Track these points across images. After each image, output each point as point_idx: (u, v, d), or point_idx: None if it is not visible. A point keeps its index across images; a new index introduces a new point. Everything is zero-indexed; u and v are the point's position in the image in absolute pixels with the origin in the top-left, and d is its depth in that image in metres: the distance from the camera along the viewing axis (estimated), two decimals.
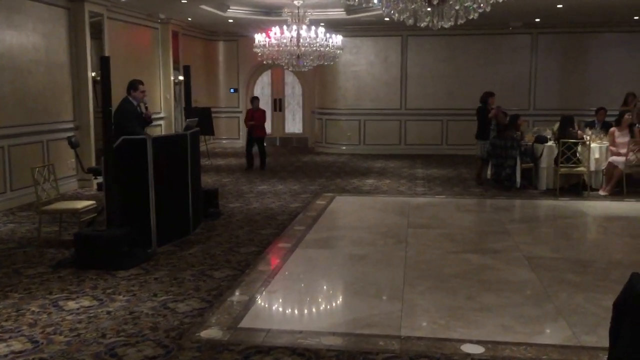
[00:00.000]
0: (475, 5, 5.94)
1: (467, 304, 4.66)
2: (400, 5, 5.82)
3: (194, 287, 5.05)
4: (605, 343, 3.91)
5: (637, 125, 9.66)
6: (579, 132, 9.64)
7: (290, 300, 4.98)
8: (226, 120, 17.16)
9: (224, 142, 17.22)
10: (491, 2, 5.93)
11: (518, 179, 9.59)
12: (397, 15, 5.90)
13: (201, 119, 9.12)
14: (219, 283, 5.17)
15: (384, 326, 4.24)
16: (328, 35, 11.61)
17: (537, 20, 13.48)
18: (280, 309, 4.82)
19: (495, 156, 9.86)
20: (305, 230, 7.13)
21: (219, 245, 6.45)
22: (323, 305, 4.92)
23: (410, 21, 5.84)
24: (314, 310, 4.79)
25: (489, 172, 10.15)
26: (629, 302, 2.68)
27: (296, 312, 4.76)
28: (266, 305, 4.81)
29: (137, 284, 5.13)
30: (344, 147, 15.52)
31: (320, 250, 6.45)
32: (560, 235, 7.20)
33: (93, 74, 10.17)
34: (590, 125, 10.56)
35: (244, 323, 4.28)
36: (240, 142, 17.34)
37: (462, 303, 4.69)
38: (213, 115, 14.89)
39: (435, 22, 5.82)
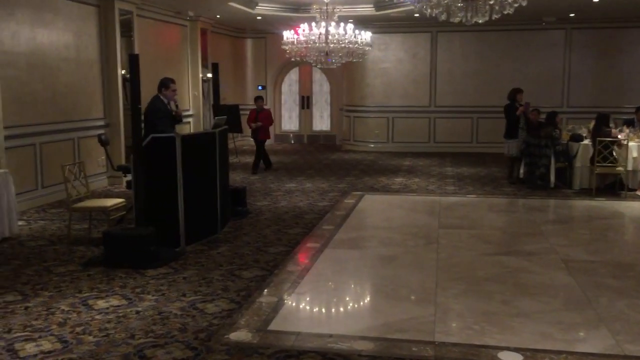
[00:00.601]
0: (510, 0, 5.77)
1: (502, 309, 4.51)
2: (434, 0, 5.67)
3: (222, 288, 4.99)
4: None
5: None
6: (614, 130, 9.35)
7: (320, 302, 4.89)
8: None
9: (251, 139, 17.18)
10: None
11: (552, 179, 9.35)
12: (429, 10, 5.75)
13: (229, 117, 9.09)
14: (248, 283, 5.10)
15: (416, 331, 4.11)
16: (357, 31, 11.48)
17: (572, 15, 13.14)
18: (310, 312, 4.72)
19: (529, 155, 9.63)
20: (334, 229, 7.03)
21: (247, 244, 6.39)
22: (353, 308, 4.82)
23: (443, 16, 5.68)
24: (344, 313, 4.69)
25: (521, 170, 9.92)
26: None
27: (326, 314, 4.66)
28: (295, 307, 4.72)
29: (165, 284, 5.09)
30: (372, 145, 15.37)
31: (349, 250, 6.35)
32: (597, 237, 6.97)
33: (123, 71, 10.21)
34: (629, 123, 10.22)
35: (273, 325, 4.20)
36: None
37: (497, 308, 4.54)
38: (241, 112, 14.87)
39: (469, 17, 5.66)
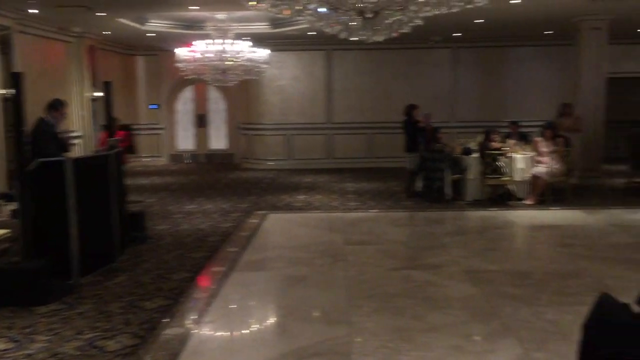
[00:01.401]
0: (406, 19, 5.91)
1: (415, 325, 4.53)
2: (333, 18, 5.70)
3: (123, 321, 4.65)
4: (557, 358, 3.89)
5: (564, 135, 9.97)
6: (494, 143, 9.80)
7: (230, 329, 4.68)
8: (147, 138, 16.49)
9: (145, 160, 16.53)
10: (422, 15, 5.92)
11: (448, 191, 9.70)
12: (329, 28, 5.77)
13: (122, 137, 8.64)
14: (151, 315, 4.79)
15: (333, 353, 4.03)
16: (253, 49, 11.40)
17: (457, 34, 13.82)
18: (220, 341, 4.50)
19: (426, 169, 9.94)
20: (239, 251, 6.83)
21: (148, 272, 6.04)
22: (266, 334, 4.65)
23: (344, 34, 5.72)
24: (256, 339, 4.51)
25: (418, 184, 10.21)
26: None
27: (238, 343, 4.46)
28: (205, 338, 4.48)
29: (58, 321, 4.67)
30: (272, 163, 15.28)
31: (256, 272, 6.18)
32: (494, 247, 7.26)
33: (2, 91, 9.44)
34: (509, 137, 10.81)
35: (183, 359, 3.95)
36: (163, 160, 16.76)
37: (409, 324, 4.55)
38: (133, 132, 14.25)
39: (368, 35, 5.73)
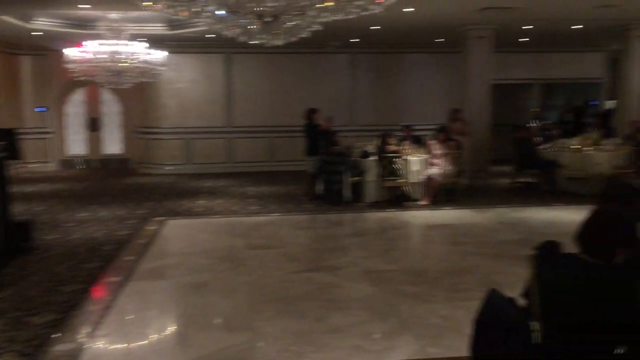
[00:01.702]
0: (305, 24, 5.98)
1: (317, 327, 4.57)
2: (232, 21, 5.65)
3: (8, 339, 4.35)
4: (451, 352, 4.07)
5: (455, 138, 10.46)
6: (390, 146, 10.12)
7: (127, 342, 4.50)
8: (34, 142, 15.52)
9: (32, 166, 15.56)
10: (320, 20, 6.01)
11: (347, 194, 9.89)
12: (228, 31, 5.72)
13: (5, 142, 8.07)
14: (39, 331, 4.51)
15: None
16: (150, 50, 11.07)
17: (355, 40, 14.15)
18: (116, 355, 4.32)
19: (326, 172, 10.08)
20: (136, 260, 6.59)
21: (35, 285, 5.68)
22: (165, 345, 4.51)
23: (243, 38, 5.68)
24: (155, 351, 4.37)
25: (319, 187, 10.34)
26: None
27: (135, 356, 4.30)
28: (99, 353, 4.28)
29: None
30: (170, 167, 14.89)
31: (155, 281, 5.99)
32: (392, 247, 7.48)
33: None
34: (404, 140, 11.19)
35: None
36: (52, 166, 15.86)
37: (312, 326, 4.59)
38: (19, 137, 13.35)
39: (268, 39, 5.73)
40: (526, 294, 3.42)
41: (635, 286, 2.79)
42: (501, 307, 2.87)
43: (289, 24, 5.56)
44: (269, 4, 5.52)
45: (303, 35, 5.92)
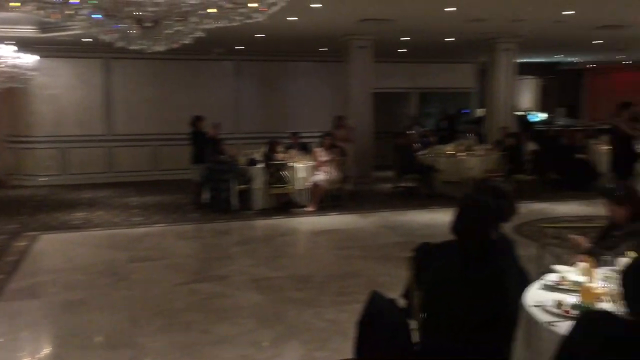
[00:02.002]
0: (187, 30, 5.87)
1: (203, 338, 4.50)
2: (109, 25, 5.43)
3: None
4: (336, 355, 4.16)
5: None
6: (277, 154, 10.21)
7: None
8: None
9: None
10: (203, 27, 5.93)
11: (234, 202, 9.81)
12: (106, 36, 5.49)
13: None
14: None
15: None
16: (19, 54, 10.38)
17: (240, 47, 14.10)
18: None
19: (212, 180, 9.94)
20: (4, 278, 6.13)
21: None
22: None
23: (122, 43, 5.48)
24: None
25: (205, 196, 10.18)
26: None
27: None
28: None
29: None
30: (44, 179, 13.97)
31: (27, 301, 5.59)
32: (279, 254, 7.52)
33: None
34: (291, 147, 11.32)
35: None
36: None
37: (198, 338, 4.51)
38: None
39: (148, 45, 5.56)
40: (406, 295, 3.58)
41: (504, 280, 3.00)
42: (382, 308, 2.98)
43: (170, 30, 5.44)
44: (149, 9, 5.37)
45: (185, 42, 5.81)
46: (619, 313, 2.23)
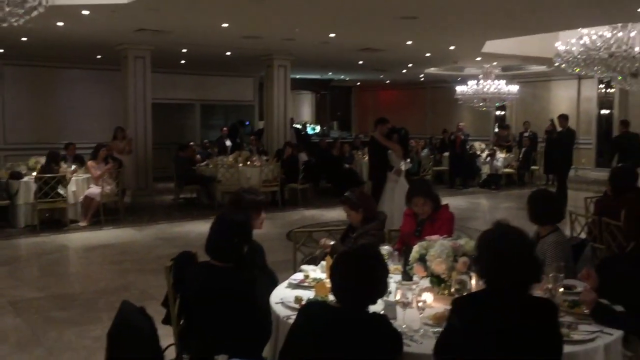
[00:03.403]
0: None
1: None
2: None
3: None
4: None
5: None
6: (51, 166, 9.58)
7: None
8: None
9: None
10: None
11: None
12: None
13: None
14: None
15: None
16: None
17: (1, 51, 12.90)
18: None
19: None
20: None
21: None
22: None
23: None
24: None
25: None
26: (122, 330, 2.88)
27: None
28: None
29: None
30: None
31: None
32: (46, 273, 7.07)
33: None
34: (65, 160, 10.66)
35: None
36: None
37: None
38: None
39: None
40: (164, 302, 3.69)
41: (254, 289, 3.25)
42: (130, 317, 3.05)
43: None
44: None
45: None
46: (331, 302, 2.65)
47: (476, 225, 9.87)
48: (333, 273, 2.54)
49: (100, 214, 9.61)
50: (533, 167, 15.43)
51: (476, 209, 12.23)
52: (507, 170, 14.96)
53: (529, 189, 14.44)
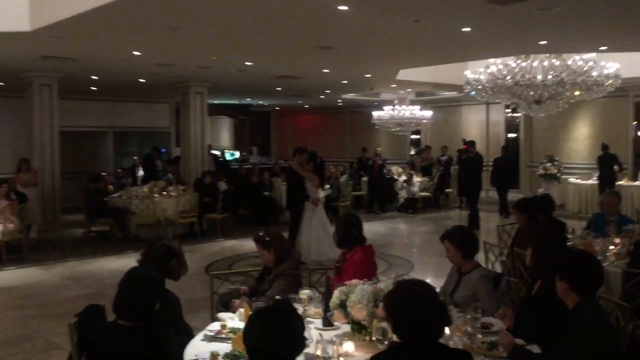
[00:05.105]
0: None
1: None
2: None
3: None
4: None
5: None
6: None
7: None
8: None
9: None
10: None
11: None
12: None
13: None
14: None
15: None
16: None
17: None
18: None
19: None
20: None
21: None
22: None
23: None
24: None
25: None
26: None
27: None
28: None
29: None
30: None
31: None
32: None
33: None
34: None
35: None
36: None
37: None
38: None
39: None
40: None
41: (158, 349, 3.02)
42: None
43: None
44: None
45: None
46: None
47: (394, 251, 9.98)
48: (246, 334, 2.40)
49: (2, 252, 8.94)
50: (447, 190, 15.89)
51: (394, 233, 12.38)
52: (423, 193, 15.31)
53: (444, 212, 14.93)
